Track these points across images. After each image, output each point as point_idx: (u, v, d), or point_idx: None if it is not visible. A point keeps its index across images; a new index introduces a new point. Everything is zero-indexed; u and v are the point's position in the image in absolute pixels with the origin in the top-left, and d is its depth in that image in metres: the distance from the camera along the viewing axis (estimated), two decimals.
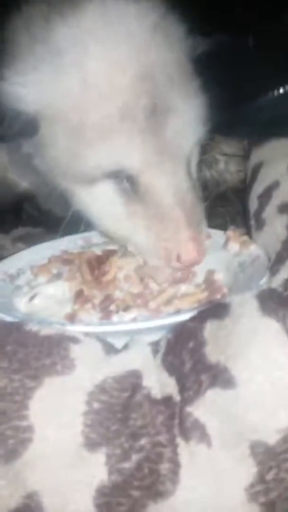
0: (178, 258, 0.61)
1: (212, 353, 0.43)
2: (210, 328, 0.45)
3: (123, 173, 0.60)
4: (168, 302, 0.62)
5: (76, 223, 0.70)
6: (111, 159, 0.59)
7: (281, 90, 0.69)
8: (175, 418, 0.40)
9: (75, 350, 0.44)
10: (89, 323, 0.57)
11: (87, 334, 0.49)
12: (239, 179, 0.86)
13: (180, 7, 0.65)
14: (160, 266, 0.62)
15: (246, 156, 0.83)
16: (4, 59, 0.61)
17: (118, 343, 0.51)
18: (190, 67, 0.65)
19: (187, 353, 0.44)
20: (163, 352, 0.46)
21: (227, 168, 0.86)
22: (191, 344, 0.44)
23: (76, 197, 0.64)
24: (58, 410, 0.40)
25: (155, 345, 0.49)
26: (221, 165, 0.86)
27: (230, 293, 0.61)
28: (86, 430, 0.39)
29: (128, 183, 0.61)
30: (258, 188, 0.70)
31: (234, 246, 0.69)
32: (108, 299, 0.62)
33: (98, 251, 0.71)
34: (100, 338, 0.50)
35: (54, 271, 0.70)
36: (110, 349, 0.47)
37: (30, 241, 0.82)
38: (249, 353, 0.42)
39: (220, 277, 0.66)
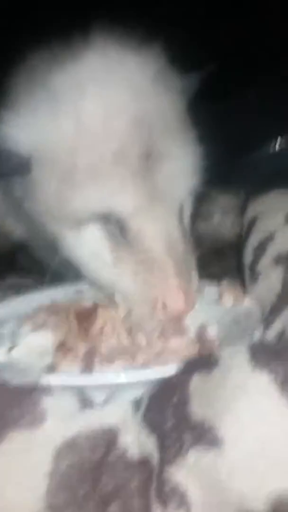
0: (164, 307, 0.57)
1: (197, 409, 0.39)
2: (196, 381, 0.41)
3: (113, 217, 0.58)
4: (157, 355, 0.58)
5: (66, 273, 0.68)
6: (101, 202, 0.57)
7: (279, 144, 0.68)
8: (152, 481, 0.35)
9: (47, 402, 0.40)
10: (68, 374, 0.53)
11: (64, 387, 0.45)
12: (235, 233, 0.84)
13: (180, 58, 0.66)
14: (146, 315, 0.59)
15: (243, 210, 0.81)
16: (5, 102, 0.61)
17: (98, 397, 0.47)
18: (187, 118, 0.65)
19: (170, 409, 0.40)
20: (144, 408, 0.42)
21: (223, 222, 0.85)
22: (175, 399, 0.40)
23: (64, 242, 0.62)
24: (19, 468, 0.35)
25: (137, 401, 0.45)
26: (217, 219, 0.84)
27: (221, 347, 0.58)
28: (50, 493, 0.35)
29: (117, 227, 0.59)
30: (253, 241, 0.68)
31: (227, 300, 0.67)
32: (92, 351, 0.58)
33: (89, 303, 0.68)
34: (78, 391, 0.46)
35: (40, 320, 0.67)
36: (86, 403, 0.43)
37: (21, 290, 0.80)
38: (238, 409, 0.38)
39: (213, 332, 0.63)
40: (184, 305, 0.57)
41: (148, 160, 0.57)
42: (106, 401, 0.46)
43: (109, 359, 0.56)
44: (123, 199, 0.57)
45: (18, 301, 0.72)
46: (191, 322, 0.63)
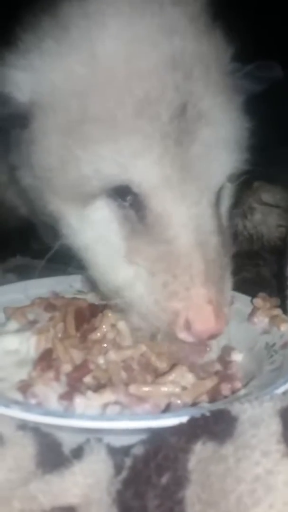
0: (187, 326, 0.43)
1: (195, 503, 0.27)
2: (200, 455, 0.29)
3: (128, 192, 0.45)
4: (157, 387, 0.45)
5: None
6: (113, 168, 0.43)
7: None
8: None
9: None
10: (33, 405, 0.40)
11: (23, 424, 0.34)
12: (278, 235, 0.70)
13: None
14: (162, 331, 0.45)
15: None
16: (6, 39, 0.49)
17: (69, 441, 0.36)
18: (235, 78, 0.50)
19: (154, 494, 0.27)
20: (122, 481, 0.29)
21: (264, 221, 0.71)
22: (164, 479, 0.28)
23: (65, 221, 0.49)
24: None
25: (120, 457, 0.33)
26: (258, 216, 0.71)
27: (247, 385, 0.45)
28: None
29: (133, 206, 0.45)
30: None
31: (261, 320, 0.55)
32: (80, 369, 0.46)
33: (96, 299, 0.56)
34: (42, 433, 0.34)
35: (31, 316, 0.55)
36: (46, 457, 0.31)
37: (25, 274, 0.69)
38: None
39: (238, 358, 0.51)
40: (214, 325, 0.43)
41: (183, 118, 0.43)
42: (77, 453, 0.34)
43: (100, 385, 0.44)
44: (145, 166, 0.43)
45: (12, 289, 0.61)
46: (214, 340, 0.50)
